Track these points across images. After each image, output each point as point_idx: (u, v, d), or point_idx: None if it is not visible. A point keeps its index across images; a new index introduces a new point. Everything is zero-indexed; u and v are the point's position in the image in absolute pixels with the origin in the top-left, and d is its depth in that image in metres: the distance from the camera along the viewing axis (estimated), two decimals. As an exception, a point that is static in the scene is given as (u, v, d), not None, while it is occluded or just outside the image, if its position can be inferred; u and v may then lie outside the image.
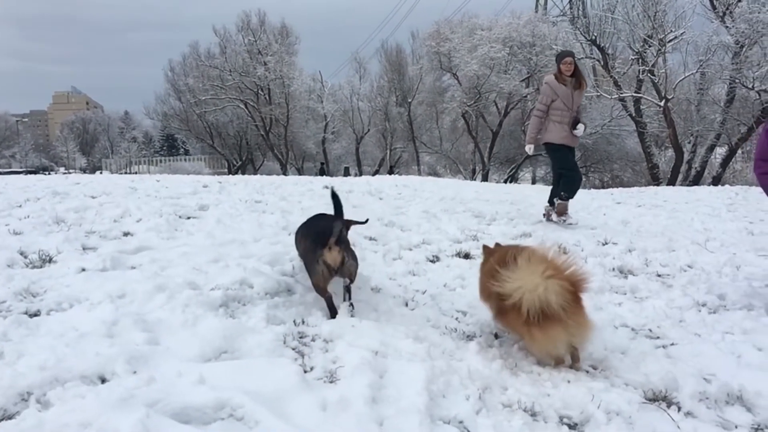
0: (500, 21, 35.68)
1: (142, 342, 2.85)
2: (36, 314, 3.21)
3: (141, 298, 3.50)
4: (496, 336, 3.55)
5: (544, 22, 35.48)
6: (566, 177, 7.71)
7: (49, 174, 30.77)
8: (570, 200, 7.76)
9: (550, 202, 8.00)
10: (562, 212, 7.66)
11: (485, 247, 3.85)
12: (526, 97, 33.94)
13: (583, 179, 37.62)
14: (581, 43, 28.97)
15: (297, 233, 4.36)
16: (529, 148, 8.17)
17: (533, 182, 39.54)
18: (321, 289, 3.67)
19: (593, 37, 26.72)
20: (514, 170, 36.45)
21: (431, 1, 62.58)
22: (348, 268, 3.64)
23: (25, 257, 4.38)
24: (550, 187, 8.42)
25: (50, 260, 4.33)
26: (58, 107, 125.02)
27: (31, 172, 40.63)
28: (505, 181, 32.77)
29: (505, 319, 3.22)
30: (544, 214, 8.04)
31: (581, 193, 14.75)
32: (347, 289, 3.76)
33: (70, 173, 38.27)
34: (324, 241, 3.56)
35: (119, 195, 8.22)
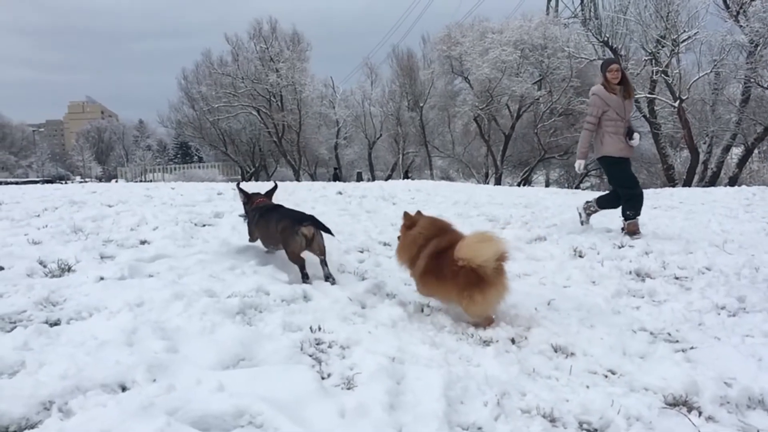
0: (511, 24, 35.63)
1: (161, 350, 2.87)
2: (56, 323, 3.24)
3: (159, 306, 3.53)
4: (513, 341, 3.54)
5: (555, 24, 35.37)
6: (629, 195, 7.12)
7: (65, 183, 31.09)
8: (637, 217, 7.14)
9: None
10: (634, 231, 7.05)
11: (406, 214, 4.36)
12: (538, 99, 33.86)
13: (598, 182, 37.53)
14: (593, 45, 28.90)
15: (267, 221, 4.92)
16: (580, 165, 7.40)
17: (547, 185, 39.43)
18: (296, 256, 4.54)
19: (605, 39, 26.61)
20: (527, 173, 36.36)
21: (442, 6, 62.72)
22: (318, 242, 4.56)
23: (45, 266, 4.43)
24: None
25: (69, 269, 4.38)
26: (73, 117, 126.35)
27: (47, 182, 41.09)
28: (518, 185, 32.64)
29: (442, 286, 3.79)
30: (581, 222, 7.60)
31: (597, 196, 14.67)
32: (323, 263, 4.57)
33: (86, 182, 38.67)
34: (300, 220, 4.57)
35: (135, 203, 8.29)
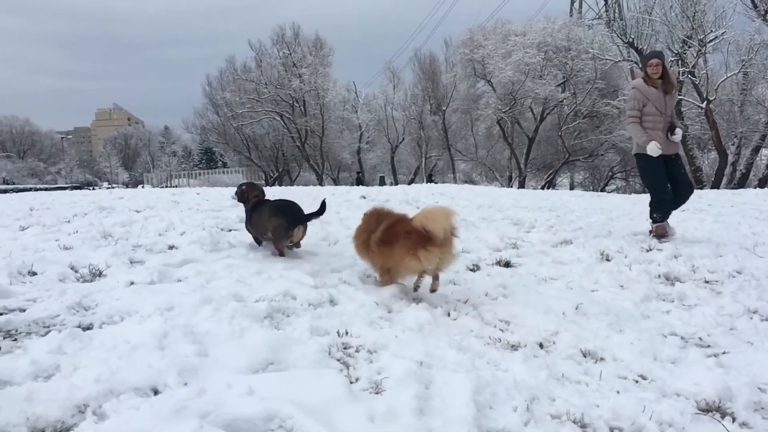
0: (534, 26, 35.50)
1: (191, 354, 2.90)
2: (89, 327, 3.29)
3: (188, 311, 3.57)
4: (541, 346, 3.51)
5: (579, 26, 35.14)
6: (657, 199, 6.96)
7: (93, 189, 31.64)
8: (666, 220, 7.02)
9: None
10: (662, 234, 6.94)
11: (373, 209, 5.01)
12: (562, 102, 33.62)
13: (623, 184, 37.12)
14: (618, 46, 28.63)
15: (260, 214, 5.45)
16: (652, 147, 6.70)
17: (571, 188, 39.11)
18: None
19: (630, 40, 26.34)
20: (551, 176, 36.08)
21: (464, 9, 62.63)
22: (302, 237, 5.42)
23: (76, 271, 4.51)
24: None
25: (100, 274, 4.45)
26: (100, 124, 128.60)
27: (76, 188, 41.81)
28: (543, 188, 32.43)
29: (393, 250, 4.28)
30: (650, 231, 7.20)
31: (621, 199, 14.52)
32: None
33: (113, 188, 39.26)
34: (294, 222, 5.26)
35: (162, 209, 8.40)
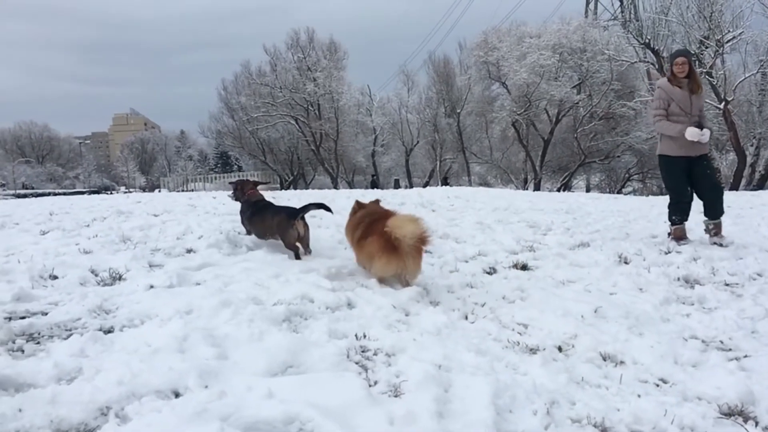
0: (549, 28, 35.36)
1: (211, 357, 2.92)
2: (110, 330, 3.33)
3: (207, 314, 3.59)
4: (560, 349, 3.49)
5: (594, 27, 34.95)
6: (676, 201, 6.85)
7: (110, 193, 31.96)
8: (684, 223, 6.94)
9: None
10: (681, 236, 6.87)
11: (357, 202, 5.46)
12: (577, 103, 33.44)
13: (640, 186, 36.82)
14: (634, 47, 28.44)
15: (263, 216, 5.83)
16: (691, 132, 6.42)
17: (587, 190, 38.90)
18: (292, 245, 5.51)
19: (647, 41, 26.14)
20: (567, 178, 35.87)
21: (478, 12, 62.53)
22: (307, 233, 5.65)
23: (96, 275, 4.56)
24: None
25: (120, 278, 4.50)
26: (118, 129, 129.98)
27: (94, 192, 42.27)
28: (558, 190, 32.26)
29: (365, 251, 4.70)
30: (669, 233, 7.11)
31: (638, 201, 14.40)
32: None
33: (130, 192, 39.65)
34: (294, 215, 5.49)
35: (180, 213, 8.47)
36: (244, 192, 6.26)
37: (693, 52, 24.43)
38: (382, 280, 4.60)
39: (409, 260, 4.39)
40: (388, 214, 4.79)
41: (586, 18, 41.20)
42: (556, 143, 36.41)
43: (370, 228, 4.71)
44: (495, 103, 38.41)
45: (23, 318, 3.48)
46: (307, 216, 5.64)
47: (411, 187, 37.63)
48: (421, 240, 4.38)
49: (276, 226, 5.60)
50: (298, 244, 5.55)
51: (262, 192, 6.46)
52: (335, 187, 37.83)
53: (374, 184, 39.87)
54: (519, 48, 34.65)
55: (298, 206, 5.71)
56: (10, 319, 3.46)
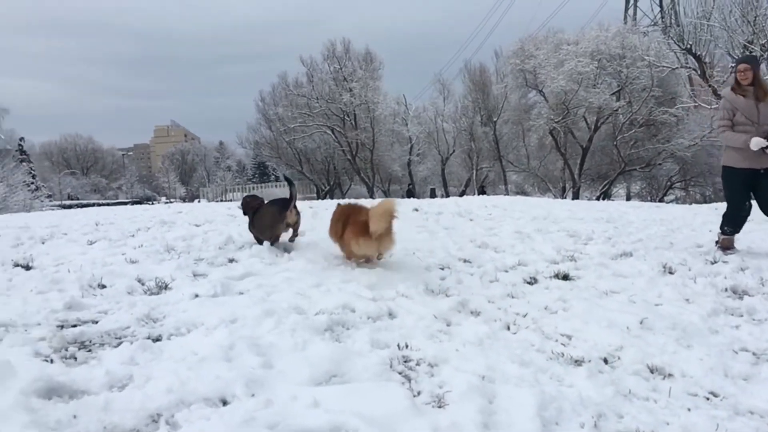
0: (587, 34, 34.95)
1: (257, 365, 2.96)
2: (158, 339, 3.41)
3: (251, 323, 3.65)
4: (606, 361, 3.44)
5: (634, 33, 34.42)
6: (733, 213, 6.66)
7: (152, 204, 32.65)
8: (735, 234, 6.74)
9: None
10: (728, 246, 6.69)
11: (338, 204, 6.09)
12: (617, 110, 32.91)
13: (683, 194, 36.00)
14: (675, 53, 27.92)
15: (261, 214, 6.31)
16: (756, 141, 6.14)
17: (628, 198, 38.19)
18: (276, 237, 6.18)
19: (688, 46, 25.61)
20: (606, 187, 35.30)
21: (514, 20, 62.20)
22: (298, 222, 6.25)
23: (143, 284, 4.67)
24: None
25: (166, 287, 4.60)
26: (159, 140, 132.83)
27: (136, 202, 43.27)
28: (598, 198, 31.76)
29: (346, 241, 5.49)
30: (716, 242, 6.96)
31: (682, 209, 14.08)
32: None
33: (171, 202, 40.45)
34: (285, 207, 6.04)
35: (220, 223, 8.61)
36: (251, 206, 6.49)
37: (736, 58, 23.88)
38: (363, 258, 5.52)
39: (382, 241, 5.33)
40: (360, 210, 5.62)
41: (625, 24, 40.62)
42: (594, 151, 35.90)
43: (348, 222, 5.53)
44: (532, 111, 38.07)
45: (75, 326, 3.58)
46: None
47: (447, 196, 37.51)
48: (390, 222, 5.29)
49: (269, 218, 6.15)
50: (290, 230, 6.24)
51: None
52: (371, 197, 37.95)
53: (410, 193, 39.83)
54: (556, 55, 34.34)
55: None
56: (62, 327, 3.56)
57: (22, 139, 63.90)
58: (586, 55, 32.96)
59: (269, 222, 6.15)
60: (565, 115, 33.77)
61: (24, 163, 43.50)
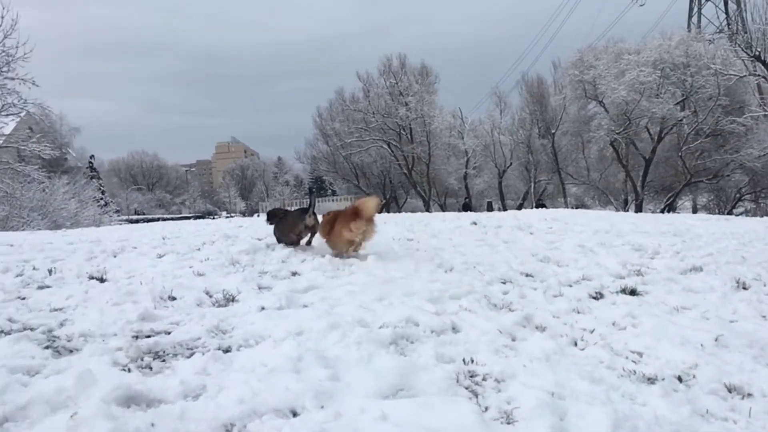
0: (649, 43, 34.12)
1: (324, 378, 2.99)
2: (228, 350, 3.49)
3: (317, 335, 3.69)
4: (680, 379, 3.32)
5: (699, 41, 33.36)
6: None
7: (213, 218, 33.55)
8: None
9: None
10: None
11: (328, 212, 7.15)
12: (681, 120, 31.90)
13: (753, 207, 34.49)
14: (743, 60, 26.93)
15: (285, 220, 7.39)
16: None
17: (694, 211, 36.87)
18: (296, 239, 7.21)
19: (756, 53, 24.69)
20: (671, 199, 34.17)
21: (572, 30, 61.30)
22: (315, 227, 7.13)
23: (211, 296, 4.80)
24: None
25: (233, 299, 4.71)
26: (220, 156, 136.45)
27: (198, 217, 44.52)
28: (662, 211, 30.78)
29: (333, 236, 6.71)
30: None
31: (753, 222, 13.49)
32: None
33: (231, 217, 41.41)
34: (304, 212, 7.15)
35: (282, 236, 8.75)
36: (276, 216, 7.59)
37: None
38: (347, 250, 6.60)
39: (369, 227, 6.52)
40: (344, 211, 6.78)
41: (689, 31, 39.43)
42: (658, 162, 34.86)
43: (334, 223, 6.71)
44: (592, 123, 37.32)
45: (149, 337, 3.71)
46: (406, 240, 6.02)
47: (504, 209, 37.10)
48: (369, 221, 6.50)
49: (290, 222, 7.21)
50: (309, 234, 7.18)
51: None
52: (427, 210, 37.94)
53: (467, 207, 39.60)
54: (617, 65, 33.63)
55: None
56: (137, 337, 3.69)
57: (92, 156, 66.75)
58: (648, 65, 32.15)
59: (291, 224, 7.18)
60: (627, 126, 32.96)
61: (94, 180, 45.46)
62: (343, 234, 6.48)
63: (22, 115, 23.58)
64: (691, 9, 49.52)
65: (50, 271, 5.66)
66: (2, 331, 3.71)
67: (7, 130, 23.83)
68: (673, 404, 2.93)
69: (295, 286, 5.17)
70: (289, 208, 7.99)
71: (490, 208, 41.78)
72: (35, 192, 23.94)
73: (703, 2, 48.13)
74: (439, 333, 3.96)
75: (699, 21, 45.80)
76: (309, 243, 7.25)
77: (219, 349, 3.47)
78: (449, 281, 5.58)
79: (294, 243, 7.17)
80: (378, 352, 3.43)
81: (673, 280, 5.92)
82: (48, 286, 5.09)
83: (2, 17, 18.85)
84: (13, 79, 19.28)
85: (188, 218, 36.54)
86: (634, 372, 3.37)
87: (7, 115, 20.83)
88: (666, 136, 33.44)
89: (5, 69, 19.11)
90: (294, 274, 5.79)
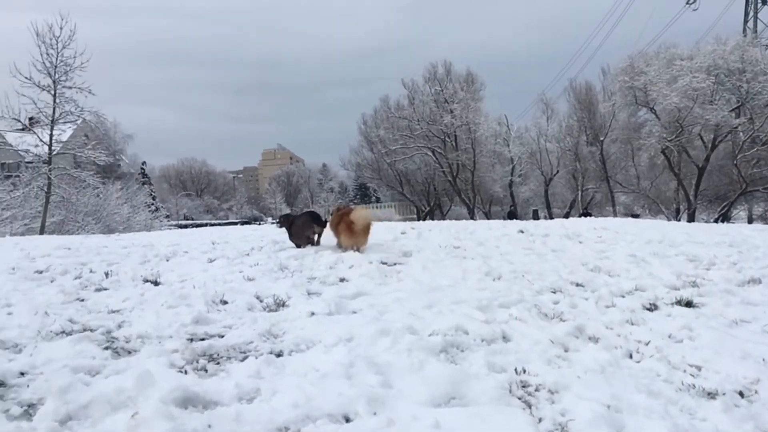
0: (702, 49, 33.15)
1: (376, 384, 3.00)
2: (280, 354, 3.53)
3: (367, 342, 3.71)
4: (742, 395, 3.21)
5: (755, 46, 32.28)
6: None
7: (259, 224, 34.02)
8: None
9: None
10: None
11: (336, 207, 8.44)
12: (737, 128, 30.88)
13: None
14: (804, 65, 25.95)
15: (297, 223, 8.42)
16: None
17: (749, 221, 35.63)
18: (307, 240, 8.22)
19: (817, 57, 23.72)
20: (725, 208, 33.08)
21: (621, 36, 60.23)
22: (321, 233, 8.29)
23: (261, 301, 4.87)
24: None
25: (283, 304, 4.77)
26: (266, 163, 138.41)
27: (245, 223, 45.20)
28: (716, 221, 29.84)
29: (339, 233, 7.65)
30: None
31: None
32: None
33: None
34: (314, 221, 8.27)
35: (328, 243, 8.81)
36: (287, 221, 8.57)
37: None
38: (348, 247, 7.48)
39: (360, 237, 7.48)
40: (348, 211, 7.76)
41: (745, 36, 38.20)
42: (712, 171, 33.80)
43: (341, 221, 7.63)
44: (642, 130, 36.42)
45: (203, 339, 3.79)
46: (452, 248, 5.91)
47: (551, 217, 36.55)
48: (365, 227, 7.50)
49: (301, 225, 8.22)
50: (315, 237, 8.22)
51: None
52: (472, 218, 37.65)
53: (512, 215, 39.12)
54: (669, 71, 32.78)
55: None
56: (191, 340, 3.78)
57: (144, 163, 68.62)
58: (701, 71, 31.25)
59: (302, 226, 8.21)
60: (679, 134, 32.07)
61: (145, 186, 46.59)
62: (342, 239, 7.65)
63: (78, 122, 24.45)
64: (746, 13, 47.98)
65: (107, 274, 5.84)
66: (63, 332, 3.85)
67: (65, 137, 24.72)
68: (734, 420, 2.84)
69: (343, 292, 5.21)
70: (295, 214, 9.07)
71: (536, 217, 41.16)
72: (90, 197, 24.78)
73: (759, 6, 46.59)
74: (490, 342, 3.93)
75: (755, 25, 44.32)
76: (317, 243, 8.27)
77: (271, 353, 3.52)
78: (498, 289, 5.53)
79: (307, 242, 8.20)
80: (428, 360, 3.42)
81: (731, 292, 5.74)
82: (105, 289, 5.26)
83: (61, 28, 19.53)
84: (70, 87, 19.95)
85: (235, 224, 37.14)
86: (693, 386, 3.28)
87: (65, 122, 21.58)
88: (720, 143, 32.40)
89: (63, 78, 19.80)
90: (342, 280, 5.83)
